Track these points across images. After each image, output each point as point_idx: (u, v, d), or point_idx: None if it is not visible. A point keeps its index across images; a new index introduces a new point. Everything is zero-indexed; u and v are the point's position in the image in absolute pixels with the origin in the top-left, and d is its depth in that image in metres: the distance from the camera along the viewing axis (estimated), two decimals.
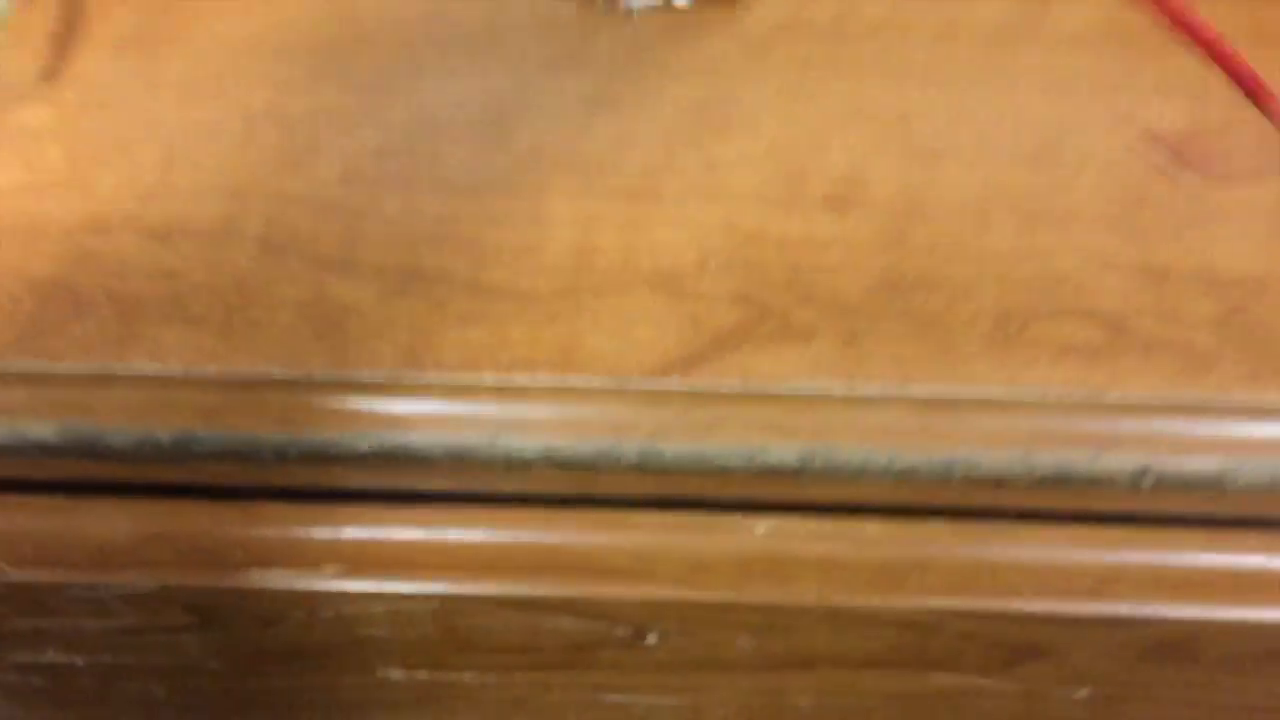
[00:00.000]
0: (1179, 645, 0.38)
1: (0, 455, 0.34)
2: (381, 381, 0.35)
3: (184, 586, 0.36)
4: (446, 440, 0.34)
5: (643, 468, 0.34)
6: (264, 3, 0.45)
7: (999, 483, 0.34)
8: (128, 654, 0.39)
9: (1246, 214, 0.39)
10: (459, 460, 0.34)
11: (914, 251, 0.38)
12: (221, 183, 0.39)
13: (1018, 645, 0.38)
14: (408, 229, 0.38)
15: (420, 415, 0.34)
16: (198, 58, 0.43)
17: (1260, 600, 0.36)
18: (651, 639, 0.38)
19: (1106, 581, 0.36)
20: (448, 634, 0.38)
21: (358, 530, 0.36)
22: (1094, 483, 0.34)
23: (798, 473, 0.34)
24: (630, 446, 0.34)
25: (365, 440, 0.34)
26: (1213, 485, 0.34)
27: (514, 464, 0.34)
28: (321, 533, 0.36)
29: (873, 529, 0.36)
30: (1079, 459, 0.34)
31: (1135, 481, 0.34)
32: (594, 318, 0.36)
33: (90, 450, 0.34)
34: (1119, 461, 0.34)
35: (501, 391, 0.35)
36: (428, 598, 0.37)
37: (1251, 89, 0.43)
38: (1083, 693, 0.40)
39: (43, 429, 0.34)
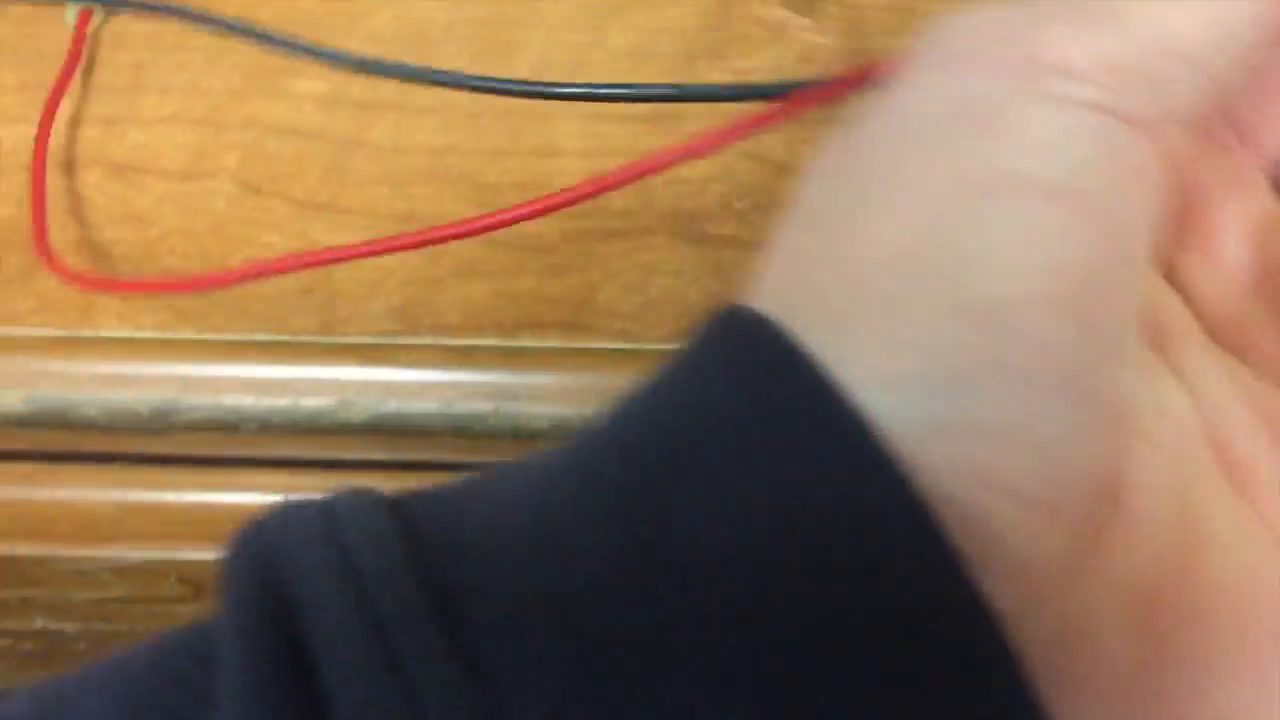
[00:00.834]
0: None
1: None
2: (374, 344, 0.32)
3: (174, 560, 0.34)
4: (447, 409, 0.31)
5: None
6: None
7: None
8: (121, 622, 0.37)
9: None
10: (460, 430, 0.31)
11: None
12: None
13: None
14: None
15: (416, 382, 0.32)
16: None
17: None
18: None
19: None
20: None
21: None
22: None
23: None
24: None
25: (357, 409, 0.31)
26: None
27: (521, 434, 0.31)
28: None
29: None
30: None
31: None
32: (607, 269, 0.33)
33: (62, 421, 0.32)
34: None
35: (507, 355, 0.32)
36: None
37: None
38: None
39: (10, 398, 0.32)
